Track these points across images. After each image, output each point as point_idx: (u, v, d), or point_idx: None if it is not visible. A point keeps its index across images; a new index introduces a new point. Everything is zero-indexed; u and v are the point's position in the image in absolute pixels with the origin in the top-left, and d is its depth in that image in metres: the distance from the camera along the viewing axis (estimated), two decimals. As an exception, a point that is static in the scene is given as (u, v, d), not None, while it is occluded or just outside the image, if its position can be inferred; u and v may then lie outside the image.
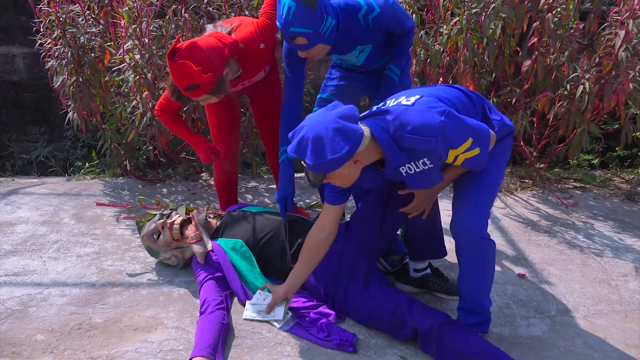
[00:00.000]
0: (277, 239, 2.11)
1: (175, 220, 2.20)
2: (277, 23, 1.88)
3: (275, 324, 1.89)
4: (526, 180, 3.34)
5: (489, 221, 2.61)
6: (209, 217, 2.33)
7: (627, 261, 2.44)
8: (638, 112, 2.90)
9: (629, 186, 3.33)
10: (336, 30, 1.94)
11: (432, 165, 1.62)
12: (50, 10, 2.77)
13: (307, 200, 2.99)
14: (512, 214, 2.89)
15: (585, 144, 2.93)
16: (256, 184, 3.23)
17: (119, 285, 2.12)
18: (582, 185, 3.34)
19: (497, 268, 2.25)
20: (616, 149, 3.73)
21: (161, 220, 2.21)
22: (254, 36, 2.09)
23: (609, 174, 3.55)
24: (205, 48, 1.92)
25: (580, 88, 2.74)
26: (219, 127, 2.46)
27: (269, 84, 2.38)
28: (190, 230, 2.19)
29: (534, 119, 3.21)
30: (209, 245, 2.13)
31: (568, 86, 2.84)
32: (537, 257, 2.46)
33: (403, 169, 1.67)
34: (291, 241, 2.09)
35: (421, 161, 1.62)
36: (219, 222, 2.31)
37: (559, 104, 2.89)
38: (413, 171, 1.66)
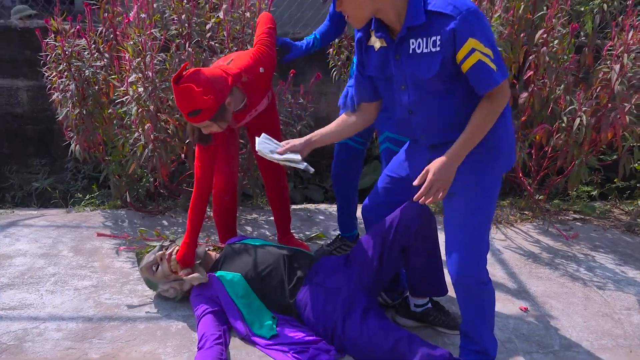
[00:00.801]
0: (276, 273, 2.09)
1: (173, 252, 2.19)
2: None
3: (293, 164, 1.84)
4: (526, 212, 3.34)
5: (489, 254, 2.59)
6: (209, 250, 2.32)
7: (630, 294, 2.42)
8: (635, 144, 2.92)
9: (628, 218, 3.33)
10: None
11: (438, 50, 1.55)
12: (57, 44, 2.82)
13: (307, 232, 2.99)
14: (512, 246, 2.88)
15: (584, 176, 2.94)
16: (256, 215, 3.23)
17: (116, 320, 2.10)
18: (582, 216, 3.34)
19: (499, 302, 2.23)
20: (614, 180, 3.74)
21: (160, 252, 2.20)
22: (252, 63, 2.16)
23: (609, 206, 3.55)
24: (208, 74, 1.98)
25: (578, 120, 2.77)
26: (219, 156, 2.45)
27: (267, 113, 2.41)
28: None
29: (532, 151, 3.23)
30: (206, 277, 2.11)
31: (565, 118, 2.87)
32: (539, 290, 2.44)
33: (412, 43, 1.60)
34: (290, 275, 2.08)
35: (432, 39, 1.56)
36: (218, 255, 2.30)
37: (556, 136, 2.91)
38: (420, 50, 1.59)
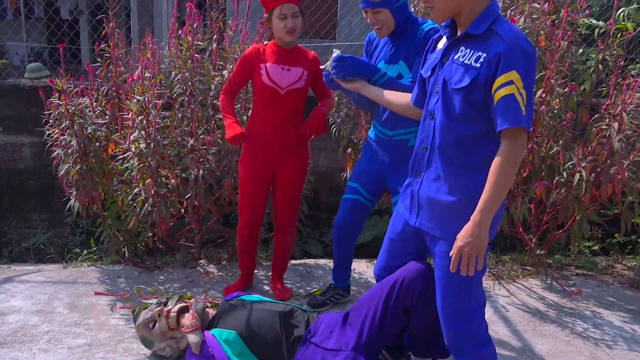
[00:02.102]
0: (272, 331, 2.05)
1: (172, 308, 2.15)
2: None
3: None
4: (528, 268, 3.31)
5: (492, 311, 2.54)
6: (207, 307, 2.28)
7: (637, 352, 2.35)
8: (635, 199, 2.94)
9: (632, 273, 3.29)
10: (403, 11, 2.19)
11: (477, 67, 1.53)
12: (61, 102, 2.89)
13: (307, 288, 2.94)
14: (516, 302, 2.83)
15: (585, 231, 2.94)
16: (255, 270, 3.19)
17: (110, 380, 2.03)
18: (585, 272, 3.30)
19: (504, 361, 2.17)
20: (615, 235, 3.72)
21: (158, 308, 2.16)
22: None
23: (611, 261, 3.52)
24: None
25: (577, 176, 2.80)
26: (247, 190, 2.61)
27: (299, 153, 2.60)
28: (186, 319, 2.13)
29: (532, 206, 3.24)
30: (202, 335, 2.06)
31: (565, 174, 2.89)
32: (544, 348, 2.37)
33: (462, 50, 1.60)
34: (287, 334, 2.03)
35: (478, 54, 1.55)
36: (215, 312, 2.25)
37: (556, 191, 2.93)
38: (463, 60, 1.58)
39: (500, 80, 1.49)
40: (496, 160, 1.53)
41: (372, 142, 2.44)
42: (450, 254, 1.61)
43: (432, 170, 1.70)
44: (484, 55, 1.53)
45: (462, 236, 1.55)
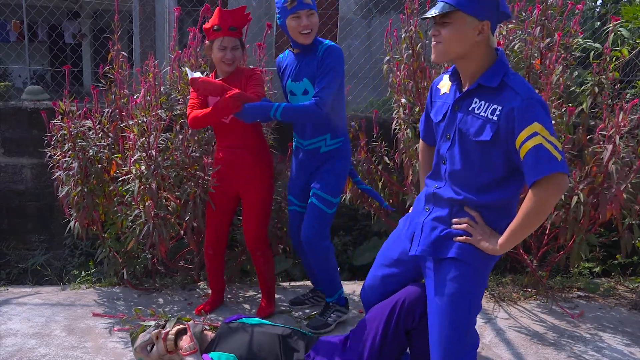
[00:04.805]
0: (271, 355, 2.03)
1: (169, 331, 2.13)
2: None
3: None
4: (528, 290, 3.29)
5: (493, 334, 2.52)
6: (205, 329, 2.27)
7: (641, 377, 2.32)
8: (634, 221, 2.94)
9: (634, 295, 3.27)
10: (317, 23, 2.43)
11: (495, 120, 1.56)
12: (63, 125, 2.91)
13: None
14: (517, 325, 2.81)
15: (585, 252, 2.93)
16: (254, 293, 3.17)
17: (106, 405, 2.00)
18: (586, 294, 3.28)
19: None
20: (617, 257, 3.71)
21: (156, 331, 2.14)
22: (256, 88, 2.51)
23: (612, 283, 3.50)
24: None
25: (575, 198, 2.80)
26: (210, 210, 2.75)
27: (259, 175, 2.64)
28: (184, 342, 2.11)
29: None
30: (201, 359, 2.04)
31: (562, 196, 2.90)
32: (547, 372, 2.34)
33: (476, 102, 1.62)
34: (286, 357, 2.01)
35: (493, 107, 1.57)
36: (214, 334, 2.24)
37: (555, 213, 2.93)
38: (479, 112, 1.61)
39: (523, 134, 1.50)
40: (532, 201, 1.54)
41: (294, 153, 2.73)
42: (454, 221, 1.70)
43: (441, 206, 1.75)
44: (500, 108, 1.55)
45: (487, 242, 1.64)
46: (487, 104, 1.59)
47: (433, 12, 1.60)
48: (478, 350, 2.48)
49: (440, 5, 1.59)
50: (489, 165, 1.62)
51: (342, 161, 2.59)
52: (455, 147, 1.68)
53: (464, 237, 1.67)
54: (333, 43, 2.46)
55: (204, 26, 2.54)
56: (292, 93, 2.57)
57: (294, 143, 2.72)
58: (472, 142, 1.62)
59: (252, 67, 2.67)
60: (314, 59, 2.43)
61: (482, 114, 1.60)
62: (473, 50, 1.60)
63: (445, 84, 1.77)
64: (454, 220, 1.70)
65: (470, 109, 1.63)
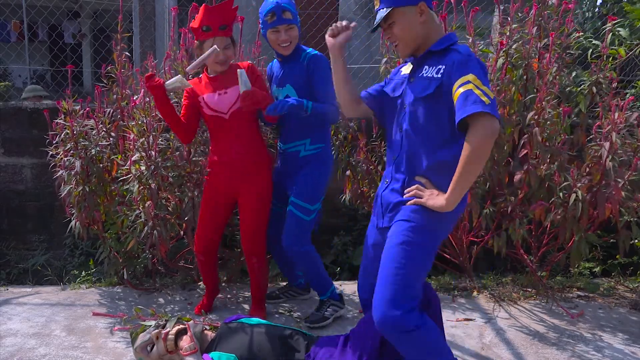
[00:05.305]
0: (271, 355, 2.03)
1: (170, 331, 2.13)
2: (269, 6, 2.43)
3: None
4: (528, 289, 3.29)
5: (494, 333, 2.52)
6: (206, 329, 2.27)
7: (641, 376, 2.32)
8: (632, 219, 2.93)
9: (634, 295, 3.27)
10: (299, 31, 2.53)
11: (439, 77, 1.71)
12: (66, 124, 2.91)
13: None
14: (517, 325, 2.81)
15: (585, 252, 2.93)
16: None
17: (107, 405, 2.00)
18: (586, 294, 3.28)
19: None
20: (617, 256, 3.71)
21: (156, 331, 2.15)
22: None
23: (612, 282, 3.50)
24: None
25: (573, 196, 2.80)
26: (202, 214, 2.69)
27: (259, 180, 2.60)
28: (184, 342, 2.11)
29: (531, 227, 3.24)
30: (201, 358, 2.05)
31: (561, 194, 2.90)
32: (547, 372, 2.35)
33: (426, 69, 1.77)
34: (286, 357, 2.01)
35: (438, 67, 1.72)
36: (214, 334, 2.24)
37: (554, 212, 2.93)
38: (426, 74, 1.76)
39: (458, 83, 1.65)
40: (465, 148, 1.64)
41: (278, 157, 2.78)
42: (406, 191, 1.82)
43: (399, 175, 1.87)
44: (443, 67, 1.71)
45: (433, 201, 1.74)
46: (433, 67, 1.75)
47: (377, 22, 1.80)
48: (478, 351, 2.48)
49: (379, 13, 1.79)
50: (437, 124, 1.74)
51: (321, 167, 2.63)
52: (407, 113, 1.82)
53: (414, 200, 1.79)
54: (316, 52, 2.56)
55: (190, 25, 2.49)
56: (276, 99, 2.63)
57: (278, 146, 2.78)
58: (420, 102, 1.77)
59: (248, 62, 2.64)
60: (297, 66, 2.54)
61: (428, 75, 1.76)
62: (425, 31, 1.79)
63: (408, 67, 1.93)
64: (406, 190, 1.83)
65: (420, 76, 1.80)
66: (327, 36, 1.98)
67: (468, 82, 1.63)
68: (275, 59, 2.68)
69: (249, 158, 2.57)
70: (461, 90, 1.63)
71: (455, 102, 1.65)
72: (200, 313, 2.80)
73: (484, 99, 1.60)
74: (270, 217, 2.74)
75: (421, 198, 1.78)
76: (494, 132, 1.61)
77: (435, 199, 1.74)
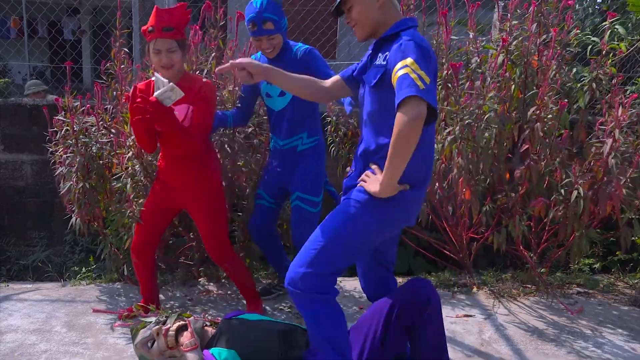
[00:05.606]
0: (272, 351, 2.03)
1: (170, 327, 2.13)
2: (250, 15, 2.45)
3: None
4: (528, 286, 3.29)
5: (493, 329, 2.53)
6: (206, 325, 2.27)
7: (640, 372, 2.33)
8: (633, 216, 2.94)
9: (634, 292, 3.27)
10: (286, 34, 2.54)
11: (384, 64, 1.74)
12: (67, 120, 2.91)
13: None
14: (516, 321, 2.81)
15: (585, 248, 2.93)
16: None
17: (107, 400, 2.01)
18: (586, 290, 3.29)
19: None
20: (617, 253, 3.71)
21: (156, 327, 2.15)
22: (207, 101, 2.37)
23: (612, 279, 3.50)
24: None
25: (575, 193, 2.80)
26: (142, 216, 2.59)
27: (203, 187, 2.47)
28: (185, 338, 2.11)
29: (532, 223, 3.24)
30: (201, 354, 2.05)
31: (563, 191, 2.90)
32: (547, 368, 2.35)
33: (379, 57, 1.80)
34: (287, 353, 2.02)
35: (385, 54, 1.76)
36: (214, 330, 2.24)
37: (555, 209, 2.93)
38: (377, 62, 1.80)
39: (397, 67, 1.65)
40: (394, 128, 1.62)
41: (271, 153, 2.82)
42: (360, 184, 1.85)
43: (356, 162, 1.93)
44: (387, 53, 1.73)
45: (372, 185, 1.77)
46: (382, 54, 1.78)
47: (335, 5, 1.84)
48: (478, 347, 2.49)
49: None
50: (388, 112, 1.72)
51: (318, 160, 2.69)
52: (366, 101, 1.86)
53: (360, 184, 1.84)
54: (307, 45, 2.60)
55: (142, 28, 2.34)
56: (268, 95, 2.67)
57: (270, 143, 2.80)
58: (372, 90, 1.80)
59: (205, 79, 2.49)
60: (290, 62, 2.54)
61: (377, 63, 1.79)
62: (383, 15, 1.81)
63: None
64: (359, 178, 1.87)
65: (374, 63, 1.83)
66: (245, 80, 1.99)
67: (406, 65, 1.63)
68: (261, 54, 2.68)
69: (191, 168, 2.43)
70: (400, 73, 1.63)
71: (395, 87, 1.65)
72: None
73: (419, 83, 1.59)
74: (256, 209, 2.78)
75: (366, 182, 1.82)
76: (419, 115, 1.58)
77: (373, 184, 1.77)
